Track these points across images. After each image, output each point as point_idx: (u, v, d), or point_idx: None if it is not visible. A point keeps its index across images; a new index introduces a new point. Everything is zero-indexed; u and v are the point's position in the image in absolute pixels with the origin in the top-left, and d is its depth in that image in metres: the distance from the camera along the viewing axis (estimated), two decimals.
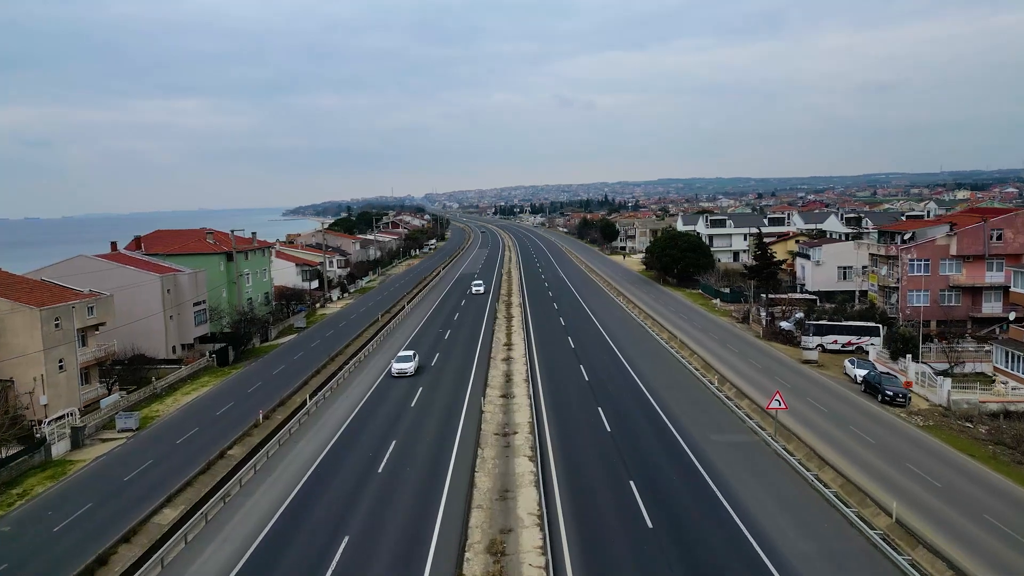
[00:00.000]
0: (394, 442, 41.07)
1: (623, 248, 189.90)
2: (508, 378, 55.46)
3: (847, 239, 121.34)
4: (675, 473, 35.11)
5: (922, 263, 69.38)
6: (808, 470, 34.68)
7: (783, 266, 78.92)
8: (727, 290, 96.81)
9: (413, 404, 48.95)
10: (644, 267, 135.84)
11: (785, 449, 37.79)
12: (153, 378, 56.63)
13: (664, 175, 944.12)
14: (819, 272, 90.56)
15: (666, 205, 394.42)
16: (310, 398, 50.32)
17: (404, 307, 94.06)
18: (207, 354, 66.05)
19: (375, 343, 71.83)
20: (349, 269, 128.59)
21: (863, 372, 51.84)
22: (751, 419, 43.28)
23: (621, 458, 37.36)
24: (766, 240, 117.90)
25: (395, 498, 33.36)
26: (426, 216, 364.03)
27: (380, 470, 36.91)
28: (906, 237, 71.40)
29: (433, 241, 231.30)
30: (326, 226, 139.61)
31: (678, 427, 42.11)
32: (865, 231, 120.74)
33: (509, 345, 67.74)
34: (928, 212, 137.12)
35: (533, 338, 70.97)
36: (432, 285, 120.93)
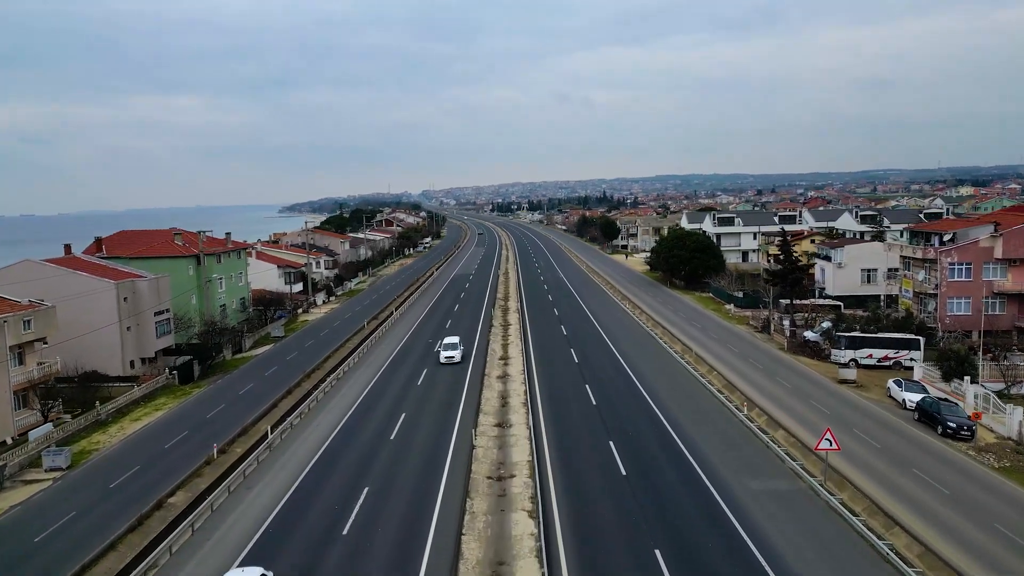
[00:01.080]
0: (366, 489, 34.19)
1: (624, 247, 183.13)
2: (504, 401, 48.59)
3: (861, 237, 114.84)
4: (711, 538, 28.26)
5: (963, 267, 62.62)
6: (879, 537, 27.81)
7: (809, 270, 72.02)
8: (740, 294, 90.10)
9: (393, 436, 42.05)
10: (648, 268, 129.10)
11: (843, 504, 30.95)
12: (97, 402, 49.59)
13: (661, 172, 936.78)
14: (841, 275, 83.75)
15: (665, 202, 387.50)
16: (272, 430, 43.31)
17: (393, 313, 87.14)
18: (167, 371, 59.04)
19: (358, 355, 64.91)
20: (337, 270, 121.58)
21: (914, 396, 45.02)
22: (791, 458, 36.44)
23: (642, 514, 30.52)
24: (778, 240, 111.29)
25: (361, 574, 26.50)
26: (422, 213, 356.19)
27: (345, 531, 30.01)
28: (945, 238, 64.61)
29: (428, 239, 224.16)
30: (310, 225, 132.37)
31: (706, 469, 35.28)
32: (884, 229, 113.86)
33: (506, 359, 60.87)
34: (947, 210, 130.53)
35: (532, 350, 64.11)
36: (425, 287, 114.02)
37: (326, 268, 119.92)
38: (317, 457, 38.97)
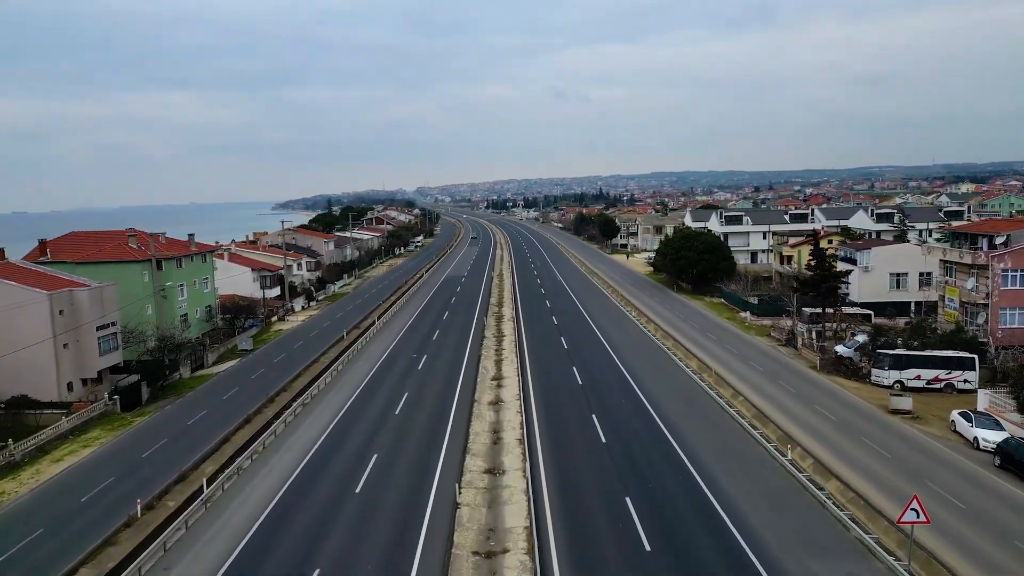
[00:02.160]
0: (316, 573, 26.53)
1: (624, 246, 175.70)
2: (496, 437, 40.95)
3: (878, 237, 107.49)
4: None
5: (1019, 274, 55.20)
6: None
7: (844, 277, 64.17)
8: (755, 299, 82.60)
9: (360, 487, 34.39)
10: (651, 269, 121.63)
11: None
12: (11, 440, 41.74)
13: (657, 168, 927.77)
14: (867, 280, 76.34)
15: (662, 199, 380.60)
16: (209, 483, 35.37)
17: (375, 323, 79.30)
18: (106, 396, 51.22)
19: (333, 373, 57.23)
20: (319, 272, 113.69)
21: (989, 434, 37.60)
22: (856, 524, 28.91)
23: None
24: (792, 241, 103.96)
25: None
26: (416, 211, 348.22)
27: None
28: (997, 241, 57.17)
29: (420, 238, 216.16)
30: (289, 225, 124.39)
31: (753, 541, 27.69)
32: (905, 228, 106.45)
33: (499, 380, 53.25)
34: (968, 208, 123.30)
35: (529, 369, 56.48)
36: (413, 291, 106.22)
37: (308, 270, 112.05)
38: (262, 519, 31.25)
